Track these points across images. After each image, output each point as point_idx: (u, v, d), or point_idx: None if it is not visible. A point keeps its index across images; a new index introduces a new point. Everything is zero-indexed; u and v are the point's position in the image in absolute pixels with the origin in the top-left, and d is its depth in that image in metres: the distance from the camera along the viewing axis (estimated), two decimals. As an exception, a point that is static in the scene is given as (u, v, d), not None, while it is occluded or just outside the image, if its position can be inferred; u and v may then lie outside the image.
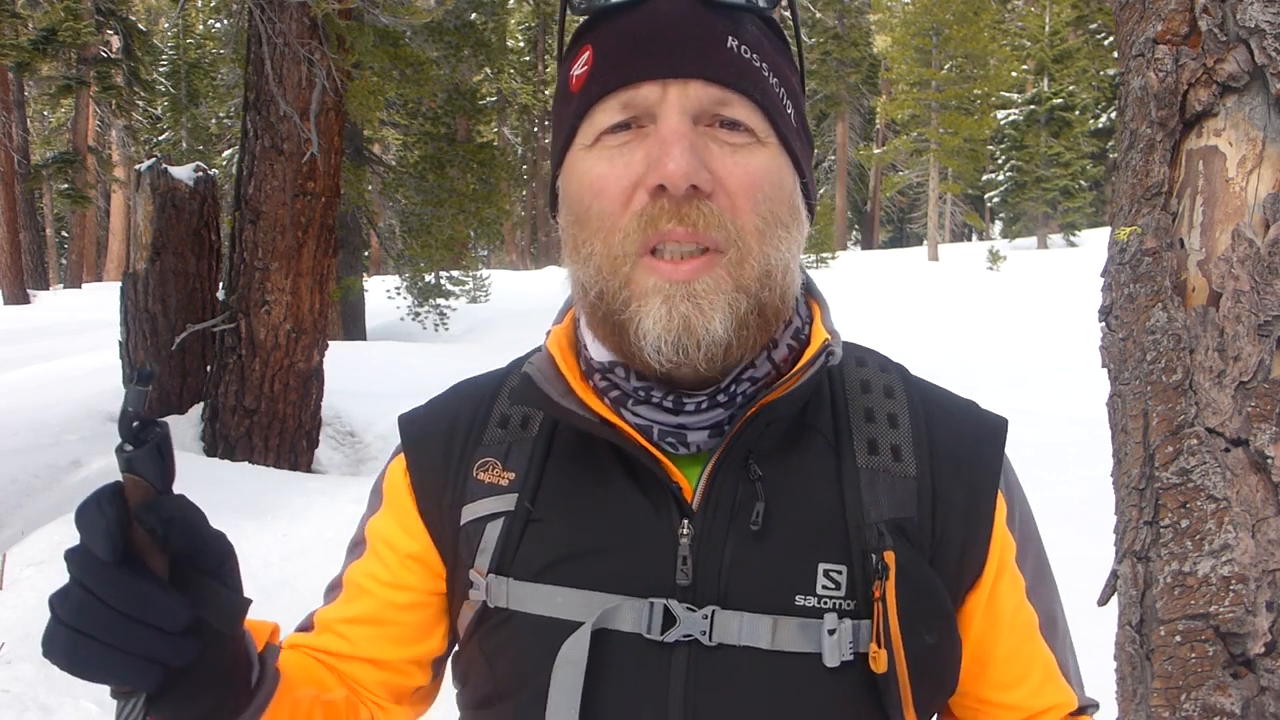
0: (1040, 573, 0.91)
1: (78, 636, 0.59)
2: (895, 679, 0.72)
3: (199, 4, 19.91)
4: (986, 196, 29.91)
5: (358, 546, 0.88)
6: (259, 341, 6.10)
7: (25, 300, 18.41)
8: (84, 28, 12.31)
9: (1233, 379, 1.30)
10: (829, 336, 0.79)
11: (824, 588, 0.74)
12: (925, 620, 0.74)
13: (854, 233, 41.25)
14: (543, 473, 0.80)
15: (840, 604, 0.74)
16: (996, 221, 32.71)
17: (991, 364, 10.53)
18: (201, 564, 0.63)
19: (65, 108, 25.76)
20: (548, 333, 0.82)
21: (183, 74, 22.24)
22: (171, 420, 6.43)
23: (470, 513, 0.81)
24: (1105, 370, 1.51)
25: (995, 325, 13.64)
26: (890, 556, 0.73)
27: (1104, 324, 1.50)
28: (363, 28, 6.25)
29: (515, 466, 0.81)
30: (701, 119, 0.72)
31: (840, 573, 0.75)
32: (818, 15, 35.25)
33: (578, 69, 0.76)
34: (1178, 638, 1.32)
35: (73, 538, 0.62)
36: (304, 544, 4.71)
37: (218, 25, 22.36)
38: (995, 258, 21.02)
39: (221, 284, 6.74)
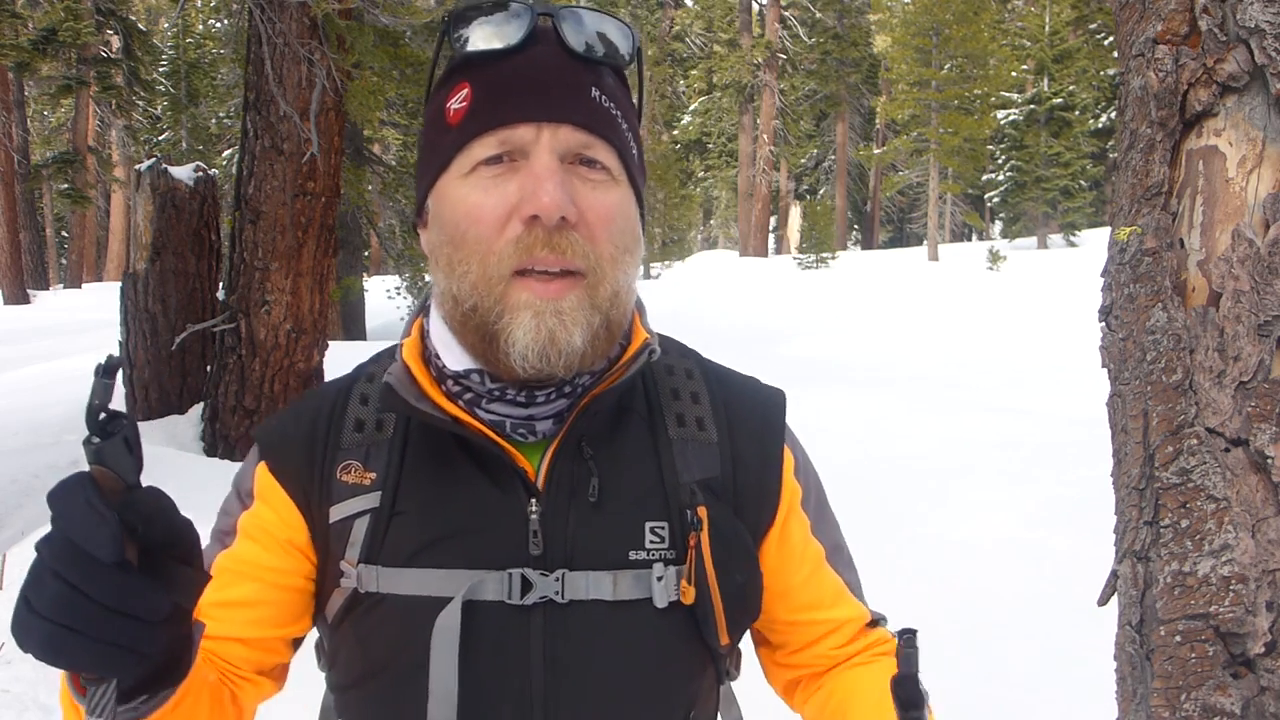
0: (822, 512, 1.02)
1: (59, 629, 0.61)
2: (711, 610, 0.88)
3: (199, 4, 19.90)
4: (986, 196, 29.90)
5: (225, 536, 0.94)
6: (259, 341, 6.10)
7: (25, 300, 18.41)
8: (84, 28, 12.31)
9: (1233, 379, 1.30)
10: (648, 336, 0.92)
11: (651, 542, 0.88)
12: (734, 561, 0.89)
13: (854, 233, 41.25)
14: (401, 471, 0.90)
15: (665, 554, 0.88)
16: (996, 221, 32.70)
17: (991, 364, 10.52)
18: (176, 552, 0.67)
19: (65, 108, 25.76)
20: (400, 345, 0.92)
21: (183, 74, 22.22)
22: (171, 420, 6.43)
23: (337, 512, 0.90)
24: (1105, 370, 1.51)
25: (995, 325, 13.64)
26: (702, 511, 0.88)
27: (1104, 324, 1.50)
28: (363, 28, 6.25)
29: (375, 467, 0.90)
30: (567, 158, 0.83)
31: (663, 528, 0.89)
32: (818, 15, 35.25)
33: (455, 103, 0.86)
34: (1178, 638, 1.32)
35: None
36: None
37: (218, 25, 22.35)
38: (995, 258, 21.01)
39: (221, 284, 6.73)
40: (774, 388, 1.02)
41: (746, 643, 1.01)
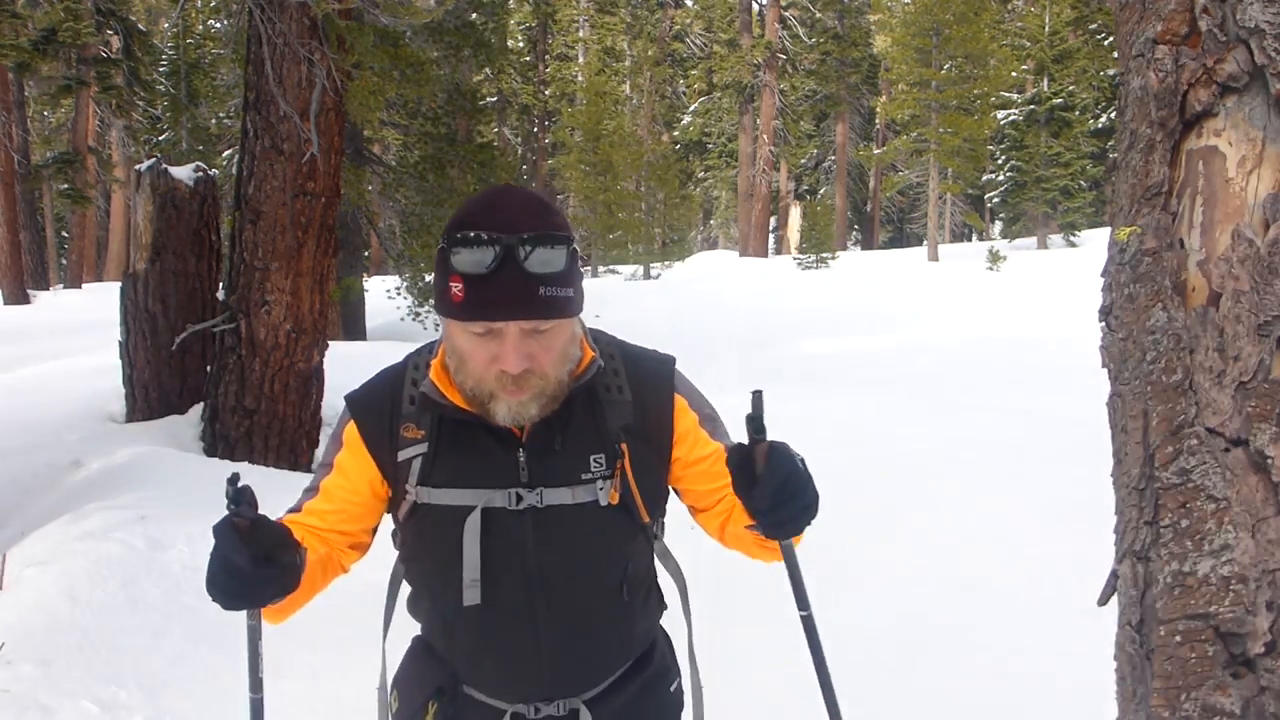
0: (714, 424, 1.55)
1: (220, 591, 1.29)
2: (634, 502, 1.46)
3: (199, 4, 19.91)
4: (986, 196, 29.88)
5: (325, 468, 1.51)
6: (259, 341, 6.10)
7: (25, 300, 18.39)
8: (84, 28, 12.30)
9: (1233, 379, 1.30)
10: (594, 355, 1.46)
11: (594, 468, 1.44)
12: (647, 474, 1.48)
13: (854, 233, 41.23)
14: (440, 430, 1.45)
15: (603, 474, 1.44)
16: (996, 221, 32.68)
17: (991, 364, 10.52)
18: (277, 553, 1.32)
19: (65, 108, 25.75)
20: (428, 364, 1.47)
21: (183, 74, 22.19)
22: (171, 420, 6.42)
23: (402, 455, 1.46)
24: (1105, 370, 1.51)
25: (995, 325, 13.63)
26: (624, 446, 1.45)
27: (1104, 324, 1.50)
28: (363, 28, 6.25)
29: (424, 426, 1.46)
30: (526, 330, 1.33)
31: (600, 458, 1.45)
32: (818, 15, 35.25)
33: (455, 288, 1.32)
34: (1178, 638, 1.32)
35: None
36: (304, 544, 4.70)
37: (218, 25, 22.34)
38: (995, 258, 20.99)
39: (221, 284, 6.73)
40: (665, 355, 1.57)
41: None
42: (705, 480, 1.52)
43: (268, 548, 1.28)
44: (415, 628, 1.61)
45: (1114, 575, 1.47)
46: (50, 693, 3.06)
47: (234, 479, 1.26)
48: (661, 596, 1.63)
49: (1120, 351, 1.43)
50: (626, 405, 1.47)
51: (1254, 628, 1.26)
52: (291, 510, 1.51)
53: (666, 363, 1.55)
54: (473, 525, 1.40)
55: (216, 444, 6.11)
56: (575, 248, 1.38)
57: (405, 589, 1.60)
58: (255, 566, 1.25)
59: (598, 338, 1.52)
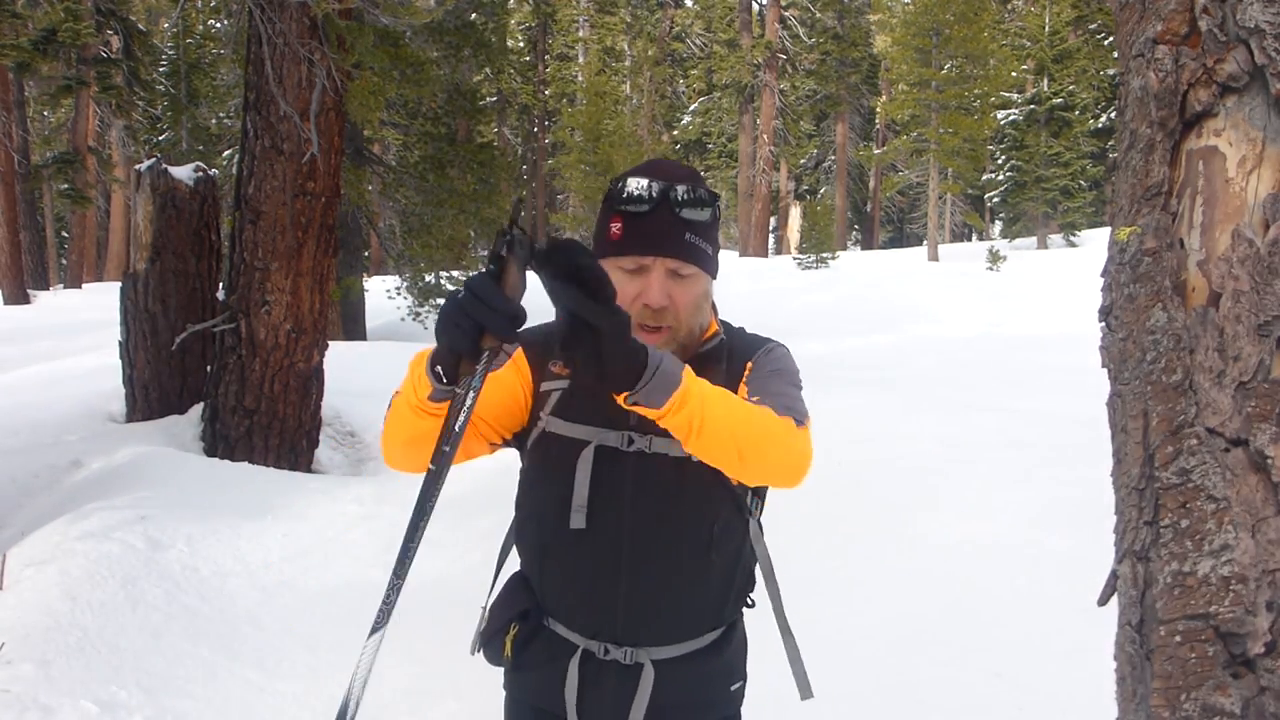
0: (766, 374, 1.64)
1: (448, 323, 1.32)
2: None
3: (199, 4, 19.89)
4: (986, 196, 29.88)
5: (499, 367, 1.55)
6: (259, 341, 6.10)
7: (25, 300, 18.38)
8: (84, 28, 12.27)
9: (1233, 379, 1.30)
10: (718, 328, 1.67)
11: None
12: None
13: (854, 233, 41.23)
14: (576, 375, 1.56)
15: None
16: (996, 221, 32.68)
17: (992, 364, 10.52)
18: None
19: (65, 108, 25.74)
20: None
21: (183, 74, 22.16)
22: (171, 420, 6.43)
23: (545, 387, 1.62)
24: (1105, 370, 1.51)
25: (995, 325, 13.64)
26: None
27: (1104, 324, 1.50)
28: (363, 28, 6.25)
29: (569, 366, 1.55)
30: (670, 270, 1.54)
31: None
32: (818, 15, 35.24)
33: (615, 226, 1.56)
34: (1178, 638, 1.32)
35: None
36: (305, 544, 4.70)
37: (218, 25, 22.33)
38: (995, 258, 20.99)
39: (221, 284, 6.73)
40: (766, 337, 1.72)
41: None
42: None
43: (520, 316, 1.31)
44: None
45: (1114, 575, 1.47)
46: (50, 693, 3.06)
47: (511, 234, 1.28)
48: (752, 581, 1.70)
49: (1120, 351, 1.43)
50: (722, 375, 1.60)
51: (1254, 628, 1.26)
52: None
53: (759, 340, 1.71)
54: (587, 455, 1.55)
55: (216, 444, 6.11)
56: (719, 212, 1.59)
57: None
58: (512, 309, 1.28)
59: (727, 325, 1.72)
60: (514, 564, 1.73)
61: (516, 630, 1.64)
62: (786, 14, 35.33)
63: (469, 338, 1.30)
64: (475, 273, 1.31)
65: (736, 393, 1.56)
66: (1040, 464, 5.75)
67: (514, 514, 1.73)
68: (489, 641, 1.69)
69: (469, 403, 1.39)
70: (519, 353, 1.62)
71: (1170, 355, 1.33)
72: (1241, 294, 1.28)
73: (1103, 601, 1.52)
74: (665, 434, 1.46)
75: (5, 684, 3.05)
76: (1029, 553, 4.39)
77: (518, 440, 1.67)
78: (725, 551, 1.60)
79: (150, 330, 6.55)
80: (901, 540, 4.68)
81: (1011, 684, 3.29)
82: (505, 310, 1.28)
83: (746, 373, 1.63)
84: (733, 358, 1.65)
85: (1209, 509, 1.29)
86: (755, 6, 35.64)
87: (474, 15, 15.02)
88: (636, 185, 1.53)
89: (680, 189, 1.53)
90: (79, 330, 12.92)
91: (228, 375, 6.11)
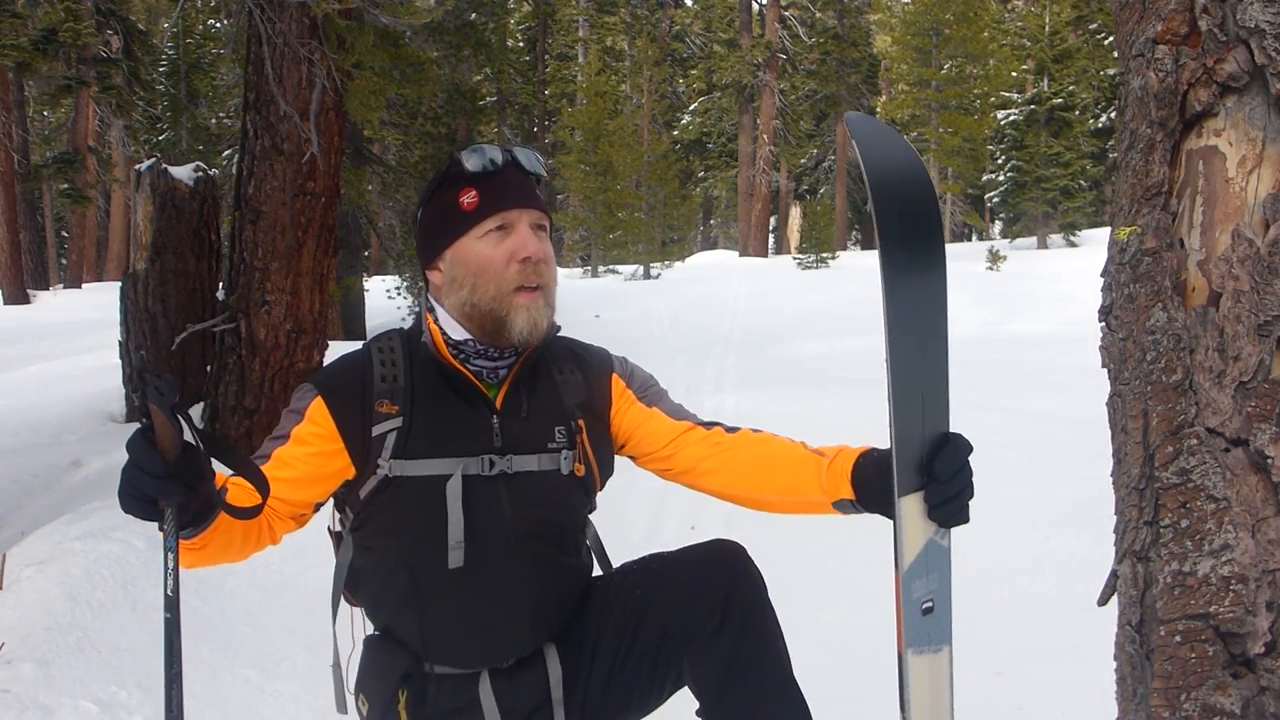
0: (646, 389, 1.74)
1: (127, 497, 1.30)
2: (592, 475, 1.64)
3: (199, 4, 19.88)
4: (986, 196, 29.85)
5: (280, 439, 1.55)
6: (259, 341, 6.10)
7: (25, 300, 18.37)
8: (84, 28, 12.27)
9: (1233, 379, 1.30)
10: (556, 324, 1.63)
11: (558, 437, 1.61)
12: (600, 446, 1.67)
13: (854, 233, 41.22)
14: (413, 403, 1.55)
15: (564, 444, 1.61)
16: (996, 221, 32.66)
17: (991, 364, 10.51)
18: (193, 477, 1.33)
19: (65, 108, 25.71)
20: (425, 330, 1.61)
21: (183, 74, 22.15)
22: (171, 420, 6.42)
23: (377, 430, 1.53)
24: (1105, 370, 1.51)
25: (995, 325, 13.62)
26: (580, 421, 1.64)
27: (1104, 324, 1.50)
28: (363, 28, 6.24)
29: (397, 402, 1.54)
30: (532, 226, 1.57)
31: (563, 430, 1.62)
32: (818, 15, 35.22)
33: (467, 199, 1.56)
34: (1178, 638, 1.32)
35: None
36: (304, 544, 4.69)
37: (218, 25, 22.32)
38: (995, 257, 20.98)
39: (221, 284, 6.73)
40: (603, 349, 1.77)
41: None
42: (653, 439, 1.70)
43: (185, 470, 1.29)
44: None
45: (1114, 575, 1.47)
46: (50, 693, 3.06)
47: (148, 382, 1.23)
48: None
49: (1120, 351, 1.43)
50: (580, 385, 1.66)
51: (1254, 628, 1.26)
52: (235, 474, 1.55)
53: (608, 353, 1.80)
54: (454, 488, 1.50)
55: (216, 444, 6.11)
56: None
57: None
58: (169, 470, 1.26)
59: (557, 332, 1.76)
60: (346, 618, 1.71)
61: (407, 695, 1.56)
62: (786, 14, 35.31)
63: (146, 508, 1.30)
64: (136, 428, 1.28)
65: (611, 406, 1.68)
66: (1040, 464, 5.74)
67: (342, 573, 1.63)
68: (383, 718, 1.59)
69: (171, 565, 1.40)
70: (321, 411, 1.54)
71: (1170, 355, 1.33)
72: (1241, 294, 1.28)
73: (1103, 601, 1.52)
74: (527, 450, 1.56)
75: (5, 684, 3.05)
76: (1029, 552, 4.38)
77: (341, 497, 1.59)
78: (588, 536, 1.73)
79: (150, 330, 6.55)
80: (901, 540, 4.67)
81: (1011, 684, 3.29)
82: (161, 474, 1.26)
83: (620, 391, 1.70)
84: (587, 370, 1.70)
85: (1209, 509, 1.29)
86: (755, 6, 35.62)
87: (474, 15, 15.02)
88: (480, 154, 1.55)
89: (521, 152, 1.59)
90: (79, 330, 12.91)
91: (228, 375, 6.11)
